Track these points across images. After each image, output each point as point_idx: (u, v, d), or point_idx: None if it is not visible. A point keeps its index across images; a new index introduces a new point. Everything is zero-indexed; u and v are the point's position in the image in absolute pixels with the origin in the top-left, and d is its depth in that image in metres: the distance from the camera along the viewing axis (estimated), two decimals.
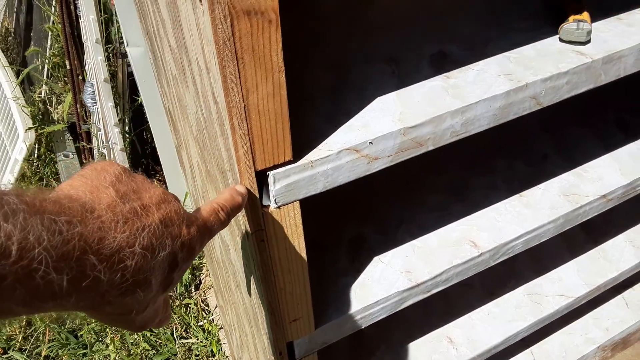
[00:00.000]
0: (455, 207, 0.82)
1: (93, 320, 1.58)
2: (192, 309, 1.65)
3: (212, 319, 1.63)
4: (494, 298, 1.00)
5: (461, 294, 1.01)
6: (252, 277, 0.64)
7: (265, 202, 0.52)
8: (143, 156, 1.95)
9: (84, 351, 1.56)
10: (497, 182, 0.86)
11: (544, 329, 1.22)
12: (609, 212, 1.07)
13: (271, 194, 0.51)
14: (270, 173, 0.50)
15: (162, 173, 1.76)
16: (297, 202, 0.53)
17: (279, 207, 0.52)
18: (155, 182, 1.96)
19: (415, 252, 0.75)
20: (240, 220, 0.57)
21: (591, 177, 0.84)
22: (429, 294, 0.73)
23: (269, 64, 0.43)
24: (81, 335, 1.60)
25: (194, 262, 1.72)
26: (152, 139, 1.71)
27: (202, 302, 1.68)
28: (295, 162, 0.50)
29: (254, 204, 0.51)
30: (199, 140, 0.71)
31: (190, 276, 1.70)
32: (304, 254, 0.58)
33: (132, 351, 1.54)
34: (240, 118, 0.45)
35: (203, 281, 1.74)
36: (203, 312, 1.64)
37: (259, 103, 0.45)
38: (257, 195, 0.51)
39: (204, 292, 1.71)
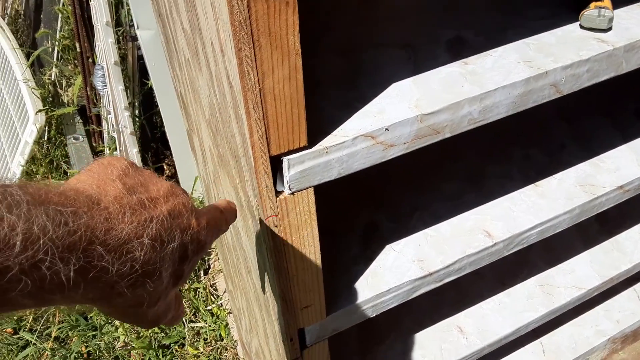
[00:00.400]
0: (470, 196, 0.81)
1: None
2: (201, 293, 1.65)
3: (221, 304, 1.64)
4: (506, 288, 0.99)
5: (472, 283, 1.00)
6: (264, 264, 0.64)
7: (279, 188, 0.52)
8: (152, 140, 1.95)
9: (94, 333, 1.57)
10: (513, 171, 0.85)
11: (554, 320, 1.21)
12: (625, 203, 1.06)
13: (285, 179, 0.50)
14: (285, 159, 0.49)
15: (172, 157, 1.76)
16: (312, 189, 0.53)
17: (293, 194, 0.52)
18: (165, 166, 1.96)
19: (428, 240, 0.74)
20: (254, 206, 0.56)
21: (608, 168, 0.82)
22: (441, 283, 0.72)
23: (286, 47, 0.42)
24: (91, 317, 1.62)
25: None
26: (162, 123, 1.71)
27: (211, 286, 1.69)
28: (310, 147, 0.49)
29: (267, 190, 0.51)
30: (211, 125, 0.71)
31: (199, 261, 1.71)
32: (317, 242, 0.57)
33: (142, 334, 1.56)
34: (255, 102, 0.44)
35: (212, 266, 1.74)
36: (212, 297, 1.65)
37: (274, 87, 0.44)
38: (271, 181, 0.50)
39: (212, 276, 1.71)
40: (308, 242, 0.57)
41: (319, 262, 0.59)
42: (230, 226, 0.88)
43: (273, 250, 0.55)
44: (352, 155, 0.52)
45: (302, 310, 0.63)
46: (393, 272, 0.69)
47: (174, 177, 1.91)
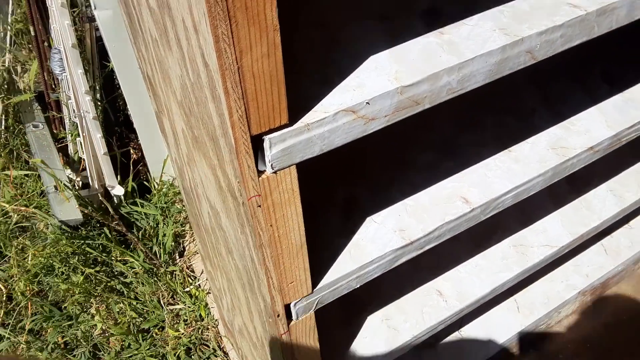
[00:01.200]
0: (446, 165, 0.82)
1: (77, 292, 1.57)
2: (178, 275, 1.64)
3: (199, 285, 1.63)
4: (481, 250, 1.02)
5: (449, 247, 1.02)
6: (246, 244, 0.64)
7: (261, 168, 0.51)
8: (116, 124, 1.89)
9: (69, 322, 1.55)
10: (487, 138, 0.86)
11: (527, 278, 1.26)
12: (592, 163, 1.09)
13: (267, 159, 0.50)
14: (266, 137, 0.48)
15: (138, 141, 1.72)
16: (294, 167, 0.52)
17: (275, 172, 0.51)
18: (131, 150, 1.91)
19: (408, 210, 0.75)
20: (235, 187, 0.55)
21: (578, 130, 0.84)
22: (422, 251, 0.73)
23: (263, 23, 0.41)
24: (65, 307, 1.59)
25: (176, 229, 1.71)
26: (125, 106, 1.65)
27: (187, 268, 1.68)
28: (291, 125, 0.49)
29: (250, 170, 0.50)
30: (184, 106, 0.69)
31: (173, 243, 1.69)
32: (300, 219, 0.57)
33: (119, 320, 1.54)
34: (234, 81, 0.43)
35: (187, 248, 1.73)
36: (189, 279, 1.64)
37: (253, 65, 0.43)
38: (253, 161, 0.50)
39: (188, 258, 1.70)
40: (292, 220, 0.57)
41: (303, 239, 0.60)
42: (208, 209, 0.87)
43: (257, 229, 0.55)
44: (333, 131, 0.51)
45: (288, 286, 0.63)
46: (375, 244, 0.70)
47: (140, 160, 1.87)
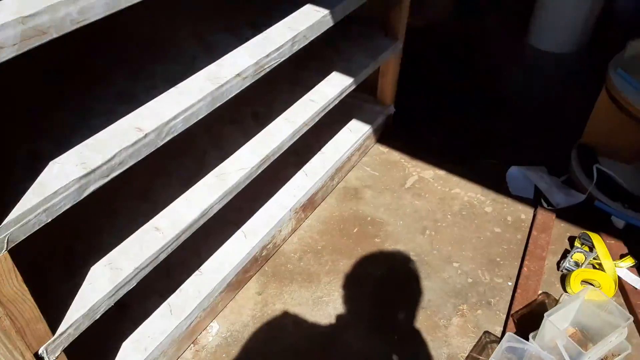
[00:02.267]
0: (122, 108, 0.93)
1: None
2: None
3: None
4: (190, 187, 1.16)
5: (162, 189, 1.14)
6: None
7: None
8: None
9: None
10: (157, 82, 1.00)
11: (249, 210, 1.47)
12: (271, 100, 1.33)
13: None
14: None
15: None
16: None
17: None
18: None
19: (89, 148, 0.84)
20: None
21: (229, 64, 1.04)
22: (109, 178, 0.83)
23: None
24: None
25: None
26: None
27: None
28: None
29: None
30: None
31: None
32: None
33: None
34: None
35: None
36: None
37: None
38: None
39: None
40: None
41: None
42: None
43: None
44: None
45: None
46: (58, 179, 0.77)
47: None
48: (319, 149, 1.72)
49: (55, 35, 0.65)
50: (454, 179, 1.79)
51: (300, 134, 1.35)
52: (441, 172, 1.81)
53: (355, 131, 1.77)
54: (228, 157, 1.24)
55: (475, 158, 1.87)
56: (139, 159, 0.88)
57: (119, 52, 1.09)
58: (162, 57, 1.06)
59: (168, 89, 0.97)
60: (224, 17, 1.21)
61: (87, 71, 1.02)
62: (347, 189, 1.75)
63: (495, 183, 1.77)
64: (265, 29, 1.15)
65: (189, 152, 1.25)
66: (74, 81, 0.99)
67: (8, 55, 0.61)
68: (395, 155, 1.88)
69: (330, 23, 1.24)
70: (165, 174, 1.19)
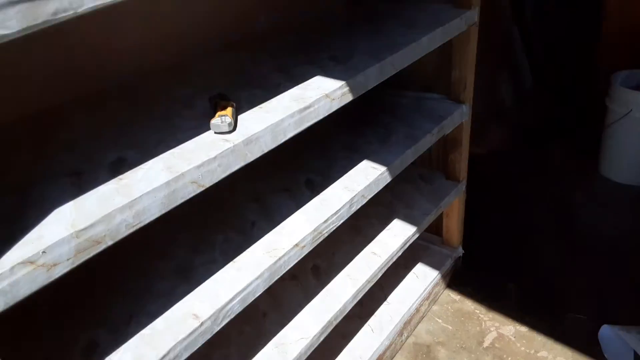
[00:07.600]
0: (181, 288, 0.90)
1: None
2: None
3: None
4: (251, 357, 1.09)
5: None
6: None
7: None
8: None
9: None
10: (216, 256, 0.98)
11: None
12: (331, 255, 1.28)
13: None
14: None
15: None
16: None
17: None
18: None
19: (144, 340, 0.80)
20: None
21: (287, 232, 1.01)
22: None
23: None
24: None
25: None
26: None
27: None
28: None
29: None
30: None
31: None
32: None
33: None
34: None
35: None
36: None
37: None
38: None
39: None
40: None
41: None
42: None
43: None
44: (14, 284, 0.56)
45: None
46: None
47: None
48: (384, 298, 1.62)
49: (110, 243, 0.64)
50: (539, 339, 1.56)
51: (364, 293, 1.27)
52: (523, 329, 1.60)
53: (423, 277, 1.67)
54: (289, 322, 1.18)
55: (559, 310, 1.65)
56: (195, 349, 0.83)
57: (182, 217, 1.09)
58: (222, 224, 1.06)
59: (227, 262, 0.95)
60: (280, 176, 1.22)
61: (148, 242, 1.02)
62: (417, 346, 1.59)
63: (586, 345, 1.52)
64: (322, 190, 1.14)
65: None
66: (137, 254, 0.99)
67: (62, 271, 0.60)
68: (469, 305, 1.72)
69: (387, 179, 1.21)
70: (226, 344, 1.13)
